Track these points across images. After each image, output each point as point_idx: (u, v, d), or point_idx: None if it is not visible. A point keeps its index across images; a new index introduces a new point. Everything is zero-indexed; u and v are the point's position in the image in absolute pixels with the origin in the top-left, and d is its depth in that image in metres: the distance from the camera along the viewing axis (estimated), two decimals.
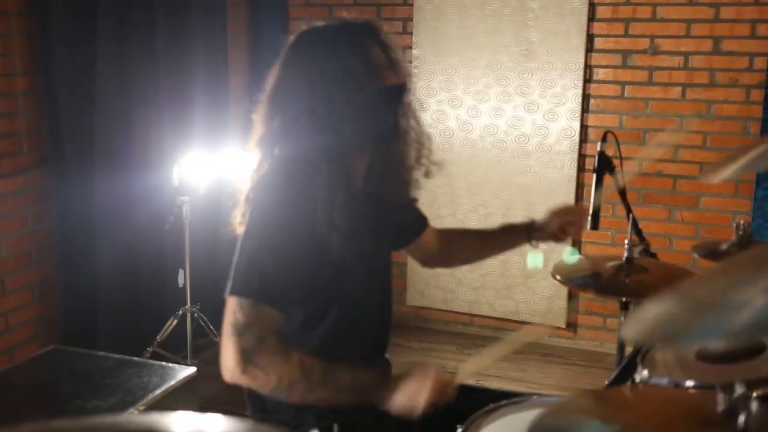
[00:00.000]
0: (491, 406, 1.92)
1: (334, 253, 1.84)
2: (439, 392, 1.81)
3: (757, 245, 2.62)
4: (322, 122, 1.84)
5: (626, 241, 2.51)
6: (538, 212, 4.29)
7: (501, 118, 4.38)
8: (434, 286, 4.65)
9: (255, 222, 1.85)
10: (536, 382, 4.08)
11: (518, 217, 4.37)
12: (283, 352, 1.76)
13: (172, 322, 3.89)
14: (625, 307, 2.60)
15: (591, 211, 2.56)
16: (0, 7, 3.27)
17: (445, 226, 4.52)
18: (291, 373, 1.75)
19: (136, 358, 3.02)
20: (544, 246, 2.41)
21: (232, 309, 1.77)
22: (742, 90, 4.02)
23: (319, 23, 1.94)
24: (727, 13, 3.97)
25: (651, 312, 1.04)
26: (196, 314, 3.93)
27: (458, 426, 1.83)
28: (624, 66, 4.17)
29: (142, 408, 2.64)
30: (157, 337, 3.84)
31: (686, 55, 4.07)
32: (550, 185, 4.33)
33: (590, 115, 4.26)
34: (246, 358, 1.74)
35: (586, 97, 4.25)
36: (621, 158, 2.66)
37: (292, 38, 1.96)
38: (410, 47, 4.42)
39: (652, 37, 4.11)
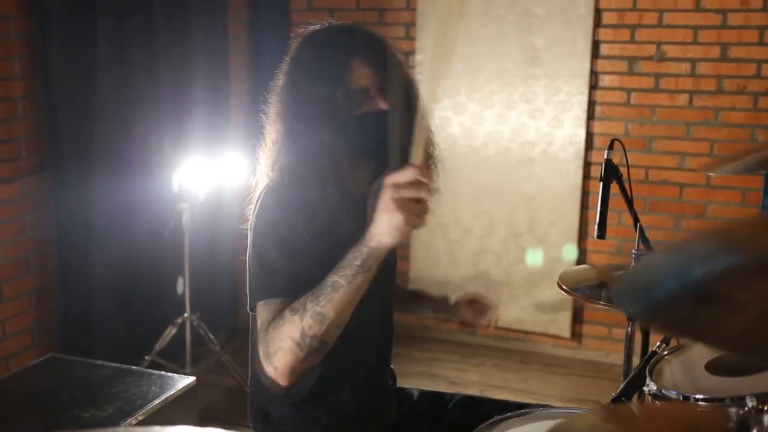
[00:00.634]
0: (496, 417, 1.88)
1: (326, 262, 1.81)
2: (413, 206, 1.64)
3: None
4: (311, 136, 1.81)
5: (634, 251, 2.46)
6: (543, 220, 4.29)
7: (505, 125, 4.34)
8: None
9: (259, 230, 1.84)
10: (540, 392, 4.03)
11: (522, 225, 4.35)
12: (279, 320, 1.71)
13: (171, 331, 3.84)
14: (631, 318, 2.55)
15: (598, 220, 2.52)
16: None
17: (448, 233, 4.50)
18: (294, 326, 1.68)
19: (134, 367, 2.96)
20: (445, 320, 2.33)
21: (259, 316, 1.76)
22: (749, 97, 3.97)
23: (321, 28, 1.90)
24: (734, 19, 3.93)
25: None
26: (195, 322, 3.88)
27: None
28: (630, 73, 4.13)
29: (141, 417, 2.59)
30: (156, 345, 3.79)
31: (693, 61, 4.03)
32: (555, 193, 4.29)
33: (596, 122, 4.22)
34: (266, 355, 1.71)
35: (591, 104, 4.20)
36: (628, 166, 2.62)
37: (295, 42, 1.92)
38: (413, 53, 4.38)
39: (659, 44, 4.07)
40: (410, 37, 4.43)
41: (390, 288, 2.14)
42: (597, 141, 4.21)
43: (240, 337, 4.40)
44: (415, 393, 2.22)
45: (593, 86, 4.19)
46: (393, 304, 2.17)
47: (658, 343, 2.14)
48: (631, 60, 4.12)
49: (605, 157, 2.54)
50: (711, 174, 3.95)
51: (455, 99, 4.36)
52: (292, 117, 1.83)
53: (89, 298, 3.62)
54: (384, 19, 4.51)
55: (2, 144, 3.30)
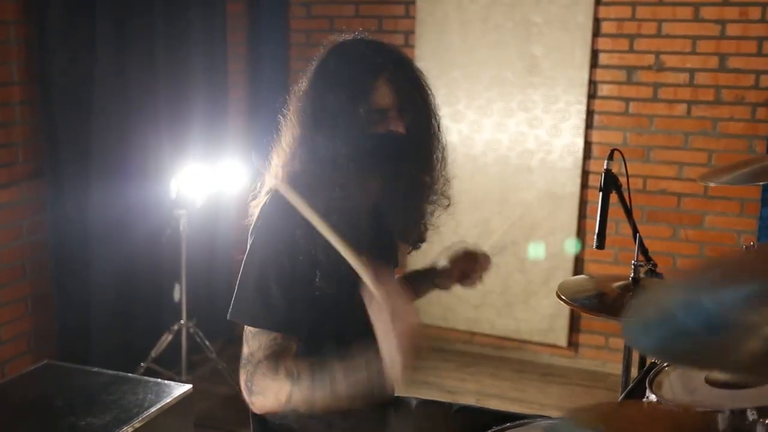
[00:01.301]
0: (494, 429, 1.87)
1: (331, 276, 1.81)
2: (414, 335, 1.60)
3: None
4: (325, 145, 1.81)
5: (633, 262, 2.45)
6: (541, 229, 4.28)
7: (504, 134, 4.34)
8: (434, 304, 4.59)
9: (258, 248, 1.83)
10: (536, 402, 4.02)
11: (521, 233, 4.34)
12: (272, 371, 1.71)
13: (167, 338, 3.83)
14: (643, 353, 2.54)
15: (597, 230, 2.52)
16: None
17: (445, 241, 4.48)
18: (282, 388, 1.69)
19: (131, 375, 2.95)
20: (449, 288, 2.29)
21: (248, 341, 1.77)
22: (747, 108, 3.98)
23: (351, 40, 1.90)
24: (733, 30, 3.93)
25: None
26: (191, 330, 3.86)
27: None
28: (629, 82, 4.13)
29: (137, 425, 2.58)
30: (152, 352, 3.78)
31: (692, 71, 4.03)
32: (554, 202, 4.28)
33: (594, 131, 4.22)
34: (248, 387, 1.73)
35: (590, 113, 4.20)
36: (627, 176, 2.62)
37: (324, 49, 1.91)
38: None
39: (657, 53, 4.07)
40: (409, 45, 4.43)
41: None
42: (595, 150, 4.21)
43: (236, 345, 4.36)
44: (413, 402, 2.21)
45: (592, 95, 4.19)
46: None
47: None
48: (630, 69, 4.12)
49: (605, 167, 2.53)
50: (709, 184, 3.95)
51: (454, 107, 4.36)
52: (310, 124, 1.82)
53: (85, 304, 3.61)
54: (383, 27, 4.51)
55: (0, 148, 3.29)
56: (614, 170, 2.55)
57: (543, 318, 4.42)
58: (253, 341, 1.75)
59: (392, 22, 4.51)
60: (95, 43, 3.50)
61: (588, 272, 4.24)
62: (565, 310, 4.35)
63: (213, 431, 3.58)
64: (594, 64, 4.16)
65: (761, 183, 3.68)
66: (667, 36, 4.04)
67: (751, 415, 1.71)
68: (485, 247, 2.35)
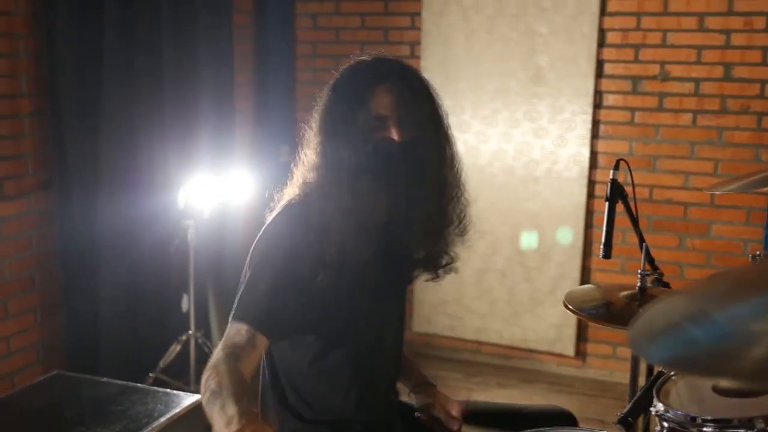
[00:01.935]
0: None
1: (338, 284, 1.84)
2: None
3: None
4: (329, 156, 1.84)
5: (639, 271, 2.46)
6: (547, 239, 4.29)
7: (509, 144, 4.35)
8: (441, 313, 4.60)
9: (260, 248, 1.86)
10: None
11: (526, 243, 4.35)
12: (213, 365, 1.72)
13: (176, 348, 3.84)
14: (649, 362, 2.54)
15: (603, 240, 2.53)
16: (8, 29, 3.26)
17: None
18: (204, 385, 1.70)
19: (139, 385, 2.96)
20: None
21: (227, 330, 1.80)
22: (753, 117, 3.98)
23: (367, 58, 1.94)
24: (738, 39, 3.94)
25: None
26: (199, 340, 3.87)
27: None
28: (634, 92, 4.14)
29: None
30: (160, 362, 3.79)
31: (697, 81, 4.04)
32: (559, 212, 4.29)
33: (600, 141, 4.23)
34: (205, 371, 1.73)
35: (595, 123, 4.21)
36: (633, 185, 2.63)
37: (343, 66, 1.96)
38: None
39: (663, 63, 4.08)
40: (415, 56, 4.46)
41: (400, 313, 2.16)
42: (601, 160, 4.22)
43: None
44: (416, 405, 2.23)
45: (597, 105, 4.20)
46: (404, 327, 2.19)
47: None
48: (635, 79, 4.13)
49: (611, 176, 2.55)
50: (715, 193, 3.96)
51: (460, 117, 4.38)
52: (321, 135, 1.86)
53: (94, 314, 3.63)
54: (389, 38, 4.54)
55: (9, 161, 3.32)
56: (620, 180, 2.56)
57: (550, 327, 4.42)
58: (230, 329, 1.78)
59: (398, 34, 4.54)
60: (103, 55, 3.53)
61: (595, 282, 4.24)
62: (573, 319, 4.36)
63: None
64: (599, 74, 4.17)
65: None
66: (672, 46, 4.05)
67: (759, 424, 1.72)
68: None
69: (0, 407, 2.81)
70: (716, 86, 4.02)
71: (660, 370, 2.14)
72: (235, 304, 1.84)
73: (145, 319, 3.87)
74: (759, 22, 3.91)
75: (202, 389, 1.70)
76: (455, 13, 4.37)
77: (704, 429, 1.77)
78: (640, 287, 2.41)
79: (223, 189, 3.86)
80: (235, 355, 1.74)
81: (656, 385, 1.99)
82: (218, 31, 4.20)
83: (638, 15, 4.09)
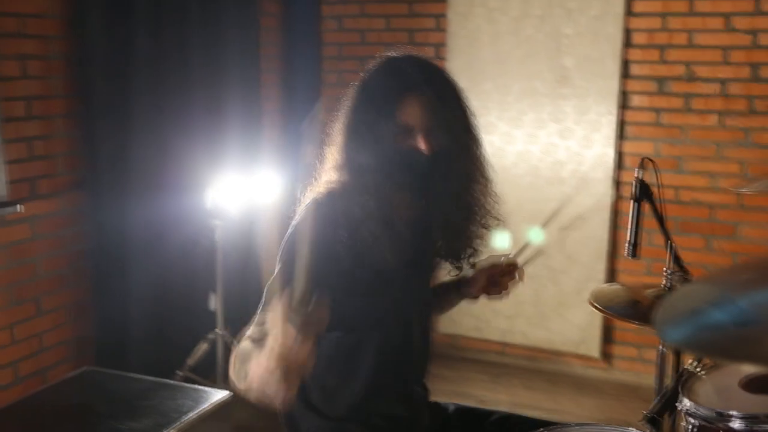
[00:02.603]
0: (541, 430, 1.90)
1: (366, 280, 1.86)
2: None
3: None
4: (354, 160, 1.85)
5: (665, 269, 2.46)
6: (573, 240, 4.29)
7: (535, 145, 4.36)
8: (467, 314, 4.61)
9: (290, 242, 1.88)
10: (570, 412, 4.02)
11: (552, 244, 4.35)
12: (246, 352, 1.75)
13: (203, 347, 3.88)
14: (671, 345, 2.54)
15: (630, 239, 2.53)
16: (42, 31, 3.32)
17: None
18: (235, 370, 1.76)
19: (169, 381, 3.01)
20: (477, 299, 2.23)
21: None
22: None
23: (397, 56, 1.94)
24: (765, 39, 3.93)
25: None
26: (227, 339, 3.91)
27: None
28: (660, 93, 4.14)
29: (177, 430, 2.62)
30: (188, 361, 3.83)
31: (723, 81, 4.03)
32: (585, 213, 4.29)
33: (626, 141, 4.22)
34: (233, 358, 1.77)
35: (621, 124, 4.21)
36: (660, 185, 2.62)
37: (372, 63, 1.95)
38: None
39: (688, 64, 4.07)
40: (440, 58, 4.48)
41: (429, 310, 2.17)
42: (627, 161, 4.22)
43: None
44: (451, 407, 2.23)
45: (623, 106, 4.20)
46: (432, 325, 2.20)
47: (691, 361, 2.14)
48: (661, 80, 4.13)
49: (636, 176, 2.54)
50: (743, 191, 3.93)
51: (485, 118, 4.39)
52: (346, 136, 1.87)
53: (123, 313, 3.68)
54: (414, 40, 4.56)
55: (43, 160, 3.38)
56: (646, 180, 2.56)
57: (576, 329, 4.42)
58: (260, 319, 1.82)
59: (423, 36, 4.56)
60: (133, 58, 3.58)
61: (621, 282, 4.23)
62: (598, 321, 4.35)
63: None
64: (625, 74, 4.17)
65: None
66: (698, 46, 4.04)
67: None
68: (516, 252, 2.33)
69: (33, 402, 2.87)
70: (743, 87, 4.00)
71: (686, 367, 2.14)
72: (264, 294, 1.86)
73: (173, 318, 3.91)
74: None
75: (233, 373, 1.73)
76: (481, 14, 4.39)
77: (732, 425, 1.78)
78: (666, 286, 2.41)
79: (250, 189, 3.90)
80: (256, 344, 1.76)
81: (682, 382, 1.99)
82: (246, 33, 4.25)
83: (663, 15, 4.08)
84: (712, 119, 4.08)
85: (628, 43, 4.15)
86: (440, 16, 4.50)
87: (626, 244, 2.53)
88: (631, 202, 2.55)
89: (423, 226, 1.95)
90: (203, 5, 3.93)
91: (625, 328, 4.34)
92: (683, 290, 1.35)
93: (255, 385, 1.61)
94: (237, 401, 2.94)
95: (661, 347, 2.62)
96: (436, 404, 2.22)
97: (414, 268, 1.99)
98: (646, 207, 2.57)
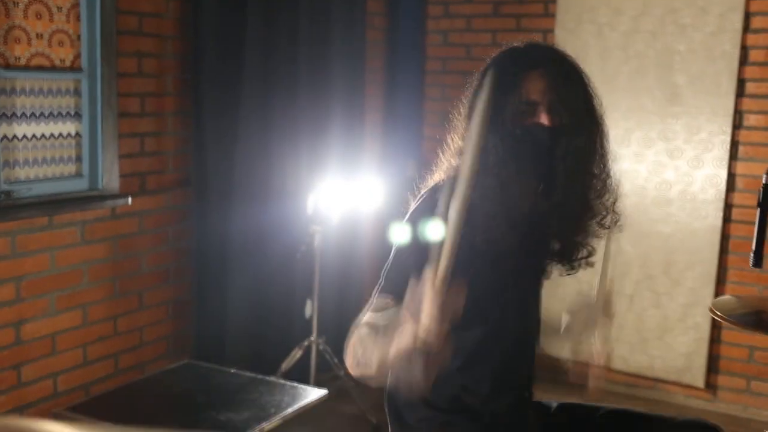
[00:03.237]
0: None
1: (479, 269, 1.80)
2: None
3: None
4: (476, 144, 1.81)
5: None
6: (679, 263, 4.13)
7: (642, 164, 4.24)
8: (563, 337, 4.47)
9: (405, 225, 1.85)
10: None
11: (657, 267, 4.20)
12: (357, 332, 1.72)
13: (297, 353, 3.86)
14: None
15: (754, 247, 2.42)
16: (158, 30, 3.40)
17: (580, 273, 4.40)
18: (352, 353, 1.70)
19: (267, 378, 3.00)
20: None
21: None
22: None
23: (520, 44, 1.92)
24: None
25: None
26: (321, 347, 3.89)
27: None
28: None
29: (275, 424, 2.60)
30: (282, 366, 3.82)
31: None
32: (693, 235, 4.14)
33: (738, 162, 4.06)
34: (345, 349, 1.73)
35: (734, 144, 4.06)
36: None
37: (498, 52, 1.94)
38: None
39: None
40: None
41: (536, 307, 2.10)
42: (739, 183, 4.05)
43: None
44: (553, 404, 2.15)
45: (737, 126, 4.05)
46: (539, 324, 2.13)
47: None
48: None
49: (764, 182, 2.44)
50: None
51: None
52: (469, 119, 1.85)
53: (222, 313, 3.70)
54: (521, 26, 4.51)
55: (153, 156, 3.44)
56: None
57: (679, 356, 4.24)
58: (375, 303, 1.78)
59: (530, 21, 4.47)
60: (243, 62, 3.64)
61: (736, 294, 4.05)
62: (704, 348, 4.17)
63: None
64: (740, 93, 4.02)
65: None
66: None
67: None
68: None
69: (135, 390, 2.90)
70: None
71: None
72: (381, 279, 1.83)
73: (270, 322, 3.92)
74: None
75: (351, 359, 1.69)
76: (589, 30, 4.31)
77: None
78: None
79: (351, 197, 3.89)
80: (377, 330, 1.72)
81: None
82: (352, 45, 4.28)
83: None
84: None
85: (744, 61, 4.00)
86: (548, 32, 4.44)
87: (750, 254, 2.42)
88: (757, 209, 2.44)
89: (539, 210, 1.88)
90: (313, 17, 3.97)
91: (733, 358, 4.14)
92: None
93: (382, 372, 1.58)
94: (326, 412, 2.92)
95: None
96: (539, 403, 2.15)
97: (526, 256, 1.93)
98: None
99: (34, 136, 3.06)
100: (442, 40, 4.73)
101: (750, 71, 4.01)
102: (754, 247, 2.42)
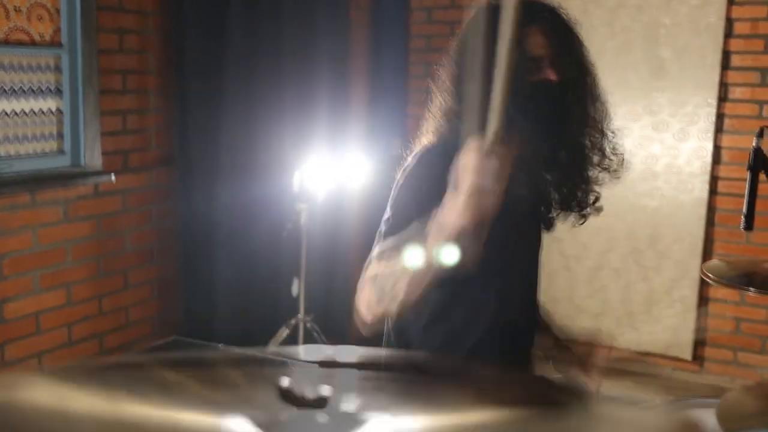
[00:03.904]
0: None
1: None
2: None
3: None
4: (469, 101, 1.78)
5: None
6: (666, 237, 4.13)
7: (627, 138, 4.21)
8: (551, 312, 4.47)
9: (403, 189, 1.80)
10: None
11: (644, 241, 4.20)
12: (368, 273, 1.67)
13: (285, 332, 3.83)
14: None
15: (745, 210, 2.40)
16: (139, 6, 3.35)
17: (565, 249, 4.39)
18: (365, 296, 1.66)
19: (258, 354, 2.96)
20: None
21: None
22: None
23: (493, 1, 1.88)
24: None
25: None
26: (308, 325, 3.86)
27: None
28: (762, 84, 3.97)
29: None
30: (270, 344, 3.79)
31: None
32: (679, 209, 4.14)
33: (724, 135, 4.06)
34: (357, 298, 1.69)
35: (720, 117, 4.06)
36: None
37: (474, 9, 1.90)
38: None
39: None
40: None
41: (539, 257, 2.06)
42: (725, 155, 4.05)
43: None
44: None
45: (722, 98, 4.04)
46: (538, 285, 2.10)
47: None
48: (764, 71, 3.96)
49: (754, 144, 2.42)
50: None
51: None
52: (464, 77, 1.80)
53: (208, 292, 3.66)
54: None
55: (135, 134, 3.39)
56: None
57: (666, 330, 4.25)
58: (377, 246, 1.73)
59: None
60: (227, 41, 3.59)
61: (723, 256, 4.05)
62: (690, 321, 4.18)
63: None
64: (725, 65, 4.02)
65: None
66: None
67: None
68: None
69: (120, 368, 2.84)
70: None
71: None
72: (377, 239, 1.78)
73: (257, 301, 3.88)
74: None
75: (366, 301, 1.65)
76: (574, 6, 4.23)
77: None
78: None
79: (337, 174, 3.86)
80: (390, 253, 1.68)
81: None
82: (336, 24, 4.24)
83: None
84: None
85: (729, 33, 4.00)
86: None
87: (741, 216, 2.41)
88: (748, 172, 2.42)
89: (541, 163, 1.85)
90: None
91: (720, 330, 4.16)
92: None
93: (413, 290, 1.57)
94: None
95: None
96: (541, 378, 2.12)
97: (526, 210, 1.89)
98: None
99: (14, 112, 3.01)
100: (426, 18, 4.70)
101: (735, 44, 4.01)
102: (745, 210, 2.39)
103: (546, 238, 2.10)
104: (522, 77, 1.75)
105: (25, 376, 0.64)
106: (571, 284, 4.38)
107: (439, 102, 1.91)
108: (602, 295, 4.35)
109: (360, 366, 0.71)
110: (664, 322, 4.25)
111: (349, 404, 0.62)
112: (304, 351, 0.74)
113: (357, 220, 4.36)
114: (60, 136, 3.17)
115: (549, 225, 2.02)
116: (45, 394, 0.62)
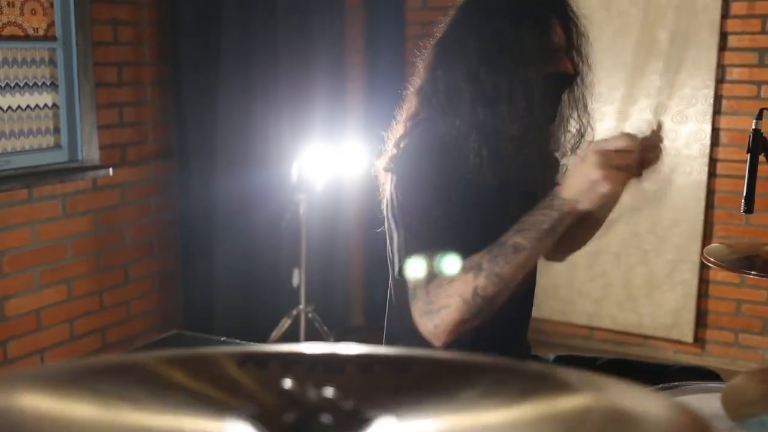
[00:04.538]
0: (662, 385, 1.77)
1: (474, 207, 1.74)
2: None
3: None
4: (479, 92, 1.75)
5: None
6: (665, 220, 4.13)
7: (625, 121, 4.21)
8: (552, 297, 4.48)
9: (405, 182, 1.76)
10: None
11: (643, 224, 4.20)
12: (449, 276, 1.60)
13: (286, 322, 3.83)
14: None
15: (745, 193, 2.39)
16: None
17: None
18: (466, 283, 1.57)
19: (260, 352, 2.96)
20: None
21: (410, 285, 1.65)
22: None
23: None
24: None
25: None
26: (310, 315, 3.86)
27: None
28: (760, 65, 3.96)
29: None
30: (271, 335, 3.78)
31: None
32: (678, 191, 4.13)
33: (722, 117, 4.05)
34: (428, 313, 1.59)
35: (718, 99, 4.04)
36: None
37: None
38: None
39: None
40: None
41: None
42: (723, 137, 4.05)
43: (354, 334, 4.38)
44: (551, 357, 2.13)
45: (720, 80, 4.03)
46: (535, 271, 2.09)
47: None
48: (762, 52, 3.95)
49: (753, 126, 2.41)
50: None
51: None
52: (468, 61, 1.75)
53: (209, 284, 3.66)
54: None
55: (132, 127, 3.38)
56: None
57: (667, 313, 4.25)
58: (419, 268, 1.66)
59: None
60: (222, 30, 3.58)
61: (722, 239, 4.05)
62: (692, 304, 4.18)
63: None
64: (723, 47, 4.00)
65: None
66: None
67: None
68: None
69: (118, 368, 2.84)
70: None
71: None
72: (406, 244, 1.73)
73: (258, 292, 3.88)
74: None
75: (470, 287, 1.58)
76: None
77: None
78: None
79: (335, 163, 3.85)
80: (429, 281, 1.64)
81: None
82: (331, 11, 4.23)
83: None
84: None
85: (726, 14, 3.98)
86: None
87: (741, 199, 2.40)
88: (747, 155, 2.41)
89: (536, 145, 1.83)
90: None
91: (721, 312, 4.16)
92: None
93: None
94: None
95: None
96: (536, 357, 2.13)
97: (521, 191, 1.87)
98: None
99: (9, 107, 2.99)
100: (422, 4, 4.67)
101: (732, 24, 3.99)
102: (745, 192, 2.38)
103: None
104: (543, 65, 1.73)
105: (17, 380, 0.63)
106: (571, 270, 4.37)
107: (419, 86, 1.90)
108: (602, 280, 4.35)
109: (363, 364, 0.70)
110: (666, 306, 4.25)
111: (353, 404, 0.61)
112: (306, 349, 0.73)
113: (356, 210, 4.36)
114: (56, 130, 3.16)
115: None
116: (40, 399, 0.61)
